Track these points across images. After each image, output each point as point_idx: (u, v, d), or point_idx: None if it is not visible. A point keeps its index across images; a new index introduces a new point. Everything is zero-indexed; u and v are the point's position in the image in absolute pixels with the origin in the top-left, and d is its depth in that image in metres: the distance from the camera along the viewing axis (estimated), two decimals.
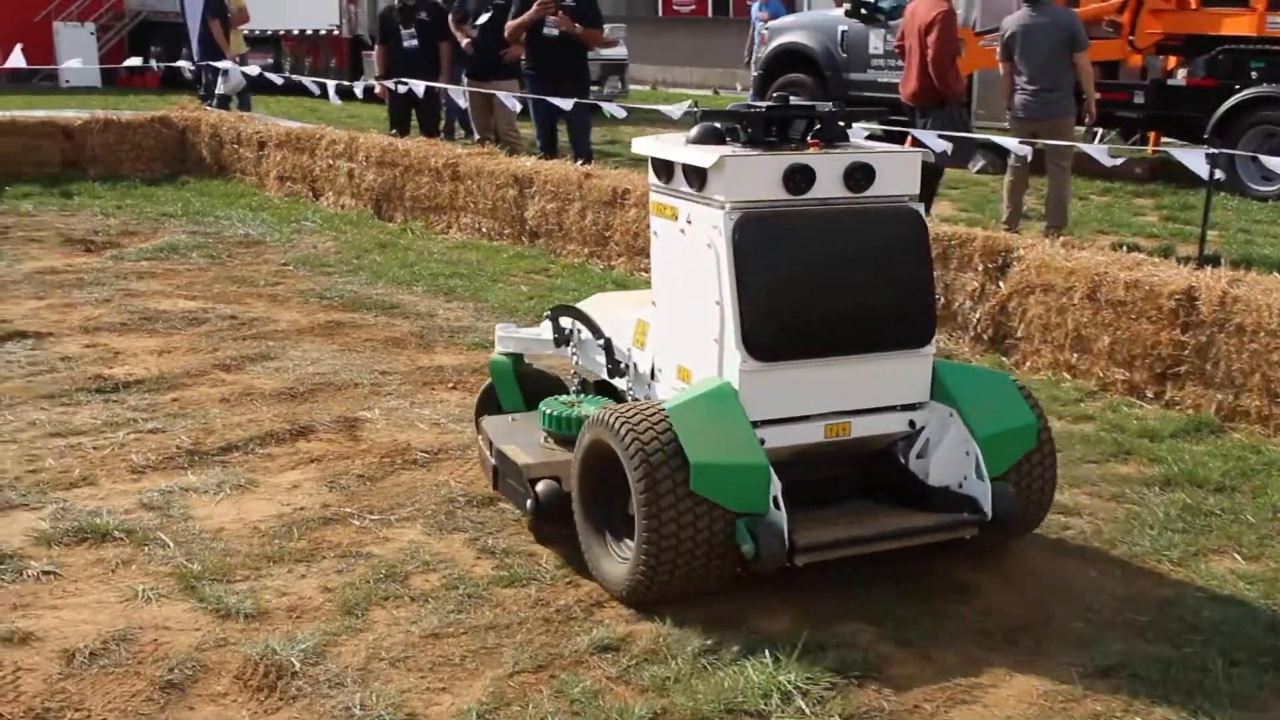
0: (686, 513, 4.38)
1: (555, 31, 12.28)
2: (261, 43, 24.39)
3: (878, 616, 4.46)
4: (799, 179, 4.59)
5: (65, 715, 3.87)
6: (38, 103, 20.60)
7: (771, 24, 18.94)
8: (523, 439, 5.33)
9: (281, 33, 25.43)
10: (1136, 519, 5.37)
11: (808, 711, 3.88)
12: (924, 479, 4.84)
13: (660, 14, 35.29)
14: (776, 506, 4.43)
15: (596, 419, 4.66)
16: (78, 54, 23.64)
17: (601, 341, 5.44)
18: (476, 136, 13.97)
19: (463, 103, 15.12)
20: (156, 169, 14.61)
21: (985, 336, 7.67)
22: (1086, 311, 7.15)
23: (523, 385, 5.79)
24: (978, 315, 7.69)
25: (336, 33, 24.65)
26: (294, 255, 10.46)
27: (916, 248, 4.82)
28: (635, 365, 5.28)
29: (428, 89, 13.69)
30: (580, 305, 5.74)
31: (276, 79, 16.89)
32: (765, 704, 3.91)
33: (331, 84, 15.21)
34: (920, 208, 4.87)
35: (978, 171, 15.21)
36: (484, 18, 13.54)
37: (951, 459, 4.81)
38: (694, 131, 4.88)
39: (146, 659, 4.18)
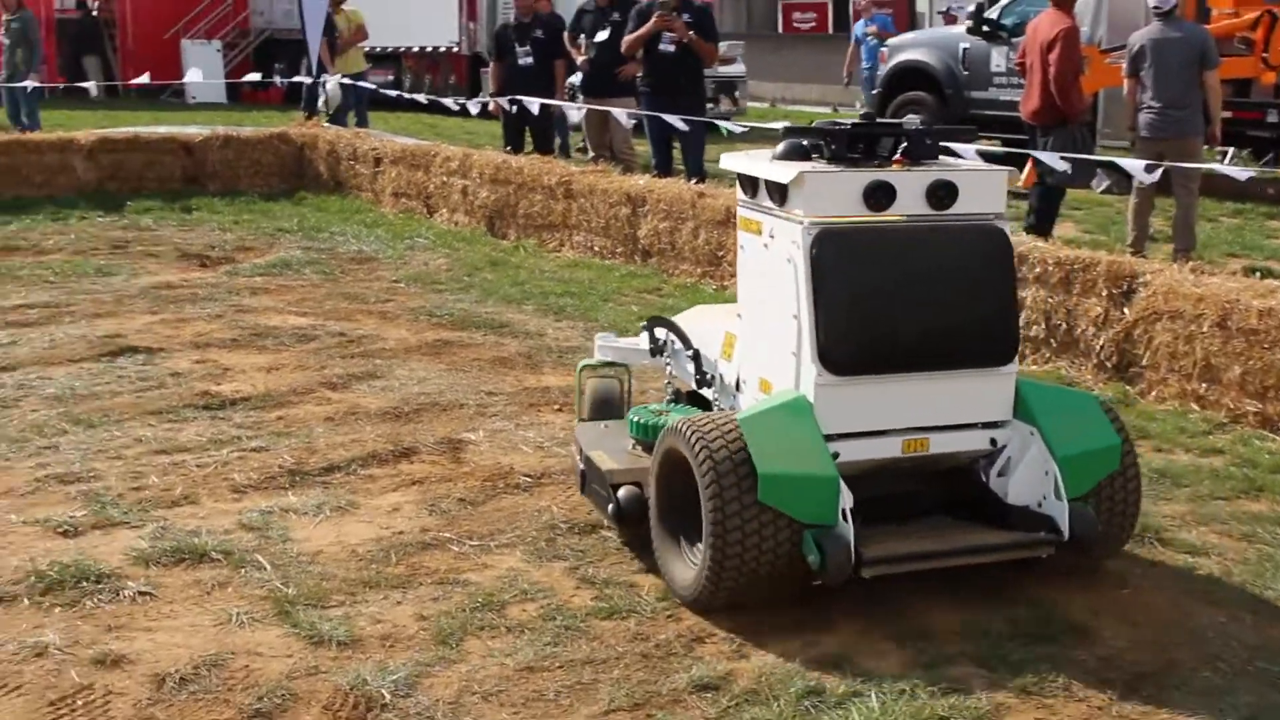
0: (752, 521, 4.42)
1: (671, 47, 12.19)
2: (382, 59, 24.57)
3: (992, 660, 4.26)
4: (879, 196, 4.63)
5: None
6: (164, 118, 20.91)
7: (891, 41, 18.68)
8: (611, 445, 5.41)
9: (402, 50, 25.62)
10: (1270, 560, 5.10)
11: None
12: (1003, 497, 4.83)
13: (780, 30, 35.08)
14: (845, 519, 4.44)
15: (672, 428, 4.76)
16: (204, 70, 24.01)
17: (690, 352, 5.53)
18: (591, 154, 13.91)
19: (575, 117, 15.12)
20: (274, 185, 14.74)
21: (1109, 364, 7.40)
22: (1216, 340, 6.86)
23: (591, 396, 5.92)
24: (1101, 342, 7.42)
25: (455, 50, 24.79)
26: (406, 272, 10.45)
27: (1000, 265, 4.81)
28: (722, 376, 5.35)
29: (542, 106, 13.65)
30: (677, 317, 5.84)
31: (391, 94, 16.99)
32: None
33: (448, 100, 15.23)
34: (1007, 226, 4.84)
35: (1102, 192, 14.84)
36: (600, 35, 13.49)
37: (1031, 478, 4.78)
38: (779, 148, 4.92)
39: (236, 686, 4.11)
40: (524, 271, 10.43)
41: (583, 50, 13.93)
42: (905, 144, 4.82)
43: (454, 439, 6.39)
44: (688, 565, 4.70)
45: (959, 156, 5.99)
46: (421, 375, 7.45)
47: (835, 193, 4.63)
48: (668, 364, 5.76)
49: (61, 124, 19.31)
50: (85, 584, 4.77)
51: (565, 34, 14.18)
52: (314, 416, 6.71)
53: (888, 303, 4.64)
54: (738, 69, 22.58)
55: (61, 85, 25.52)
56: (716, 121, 12.44)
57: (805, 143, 4.88)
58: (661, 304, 9.20)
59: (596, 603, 4.70)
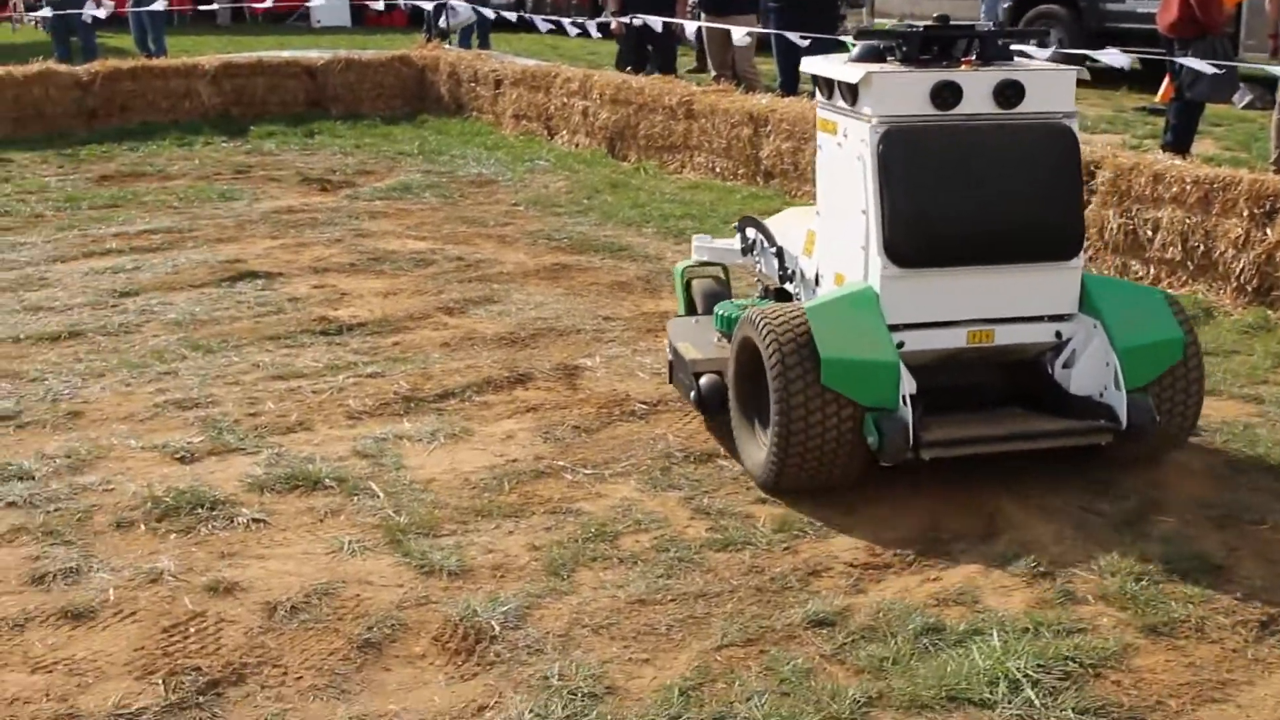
0: (815, 403, 4.67)
1: None
2: None
3: (1121, 598, 4.09)
4: (946, 95, 4.79)
5: (262, 671, 3.78)
6: (289, 43, 21.04)
7: None
8: (697, 338, 5.69)
9: None
10: None
11: (1037, 703, 3.55)
12: (1067, 388, 4.97)
13: None
14: (906, 404, 4.65)
15: (746, 318, 5.03)
16: None
17: (774, 250, 5.77)
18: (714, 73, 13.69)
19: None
20: (396, 108, 14.73)
21: (1249, 288, 7.10)
22: None
23: (688, 293, 6.29)
24: (1241, 265, 7.12)
25: None
26: (525, 195, 10.37)
27: (1067, 164, 4.94)
28: (802, 271, 5.56)
29: (664, 25, 13.44)
30: (768, 219, 6.07)
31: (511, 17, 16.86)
32: (990, 693, 3.60)
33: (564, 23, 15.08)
34: (1075, 124, 4.95)
35: (1243, 107, 14.30)
36: None
37: (1093, 369, 4.93)
38: (855, 50, 5.12)
39: (347, 615, 4.08)
40: (644, 194, 10.30)
41: None
42: (977, 45, 4.97)
43: (570, 365, 6.31)
44: (759, 448, 4.94)
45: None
46: (539, 300, 7.38)
47: (903, 92, 4.80)
48: (757, 262, 6.02)
49: (188, 50, 19.45)
50: (200, 510, 4.78)
51: None
52: (430, 342, 6.67)
53: (953, 198, 4.81)
54: None
55: (190, 11, 25.80)
56: (844, 39, 12.10)
57: (880, 45, 5.03)
58: None
59: (711, 534, 4.60)
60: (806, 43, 11.59)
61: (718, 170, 10.84)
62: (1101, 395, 4.90)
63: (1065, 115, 4.91)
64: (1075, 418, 4.91)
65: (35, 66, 13.96)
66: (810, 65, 5.32)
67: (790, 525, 4.64)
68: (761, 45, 14.00)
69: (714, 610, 4.08)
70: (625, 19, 13.85)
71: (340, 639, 3.94)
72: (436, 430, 5.52)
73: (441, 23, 17.50)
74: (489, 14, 17.57)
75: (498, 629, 3.96)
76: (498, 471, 5.12)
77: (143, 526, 4.69)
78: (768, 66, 13.73)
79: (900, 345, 4.77)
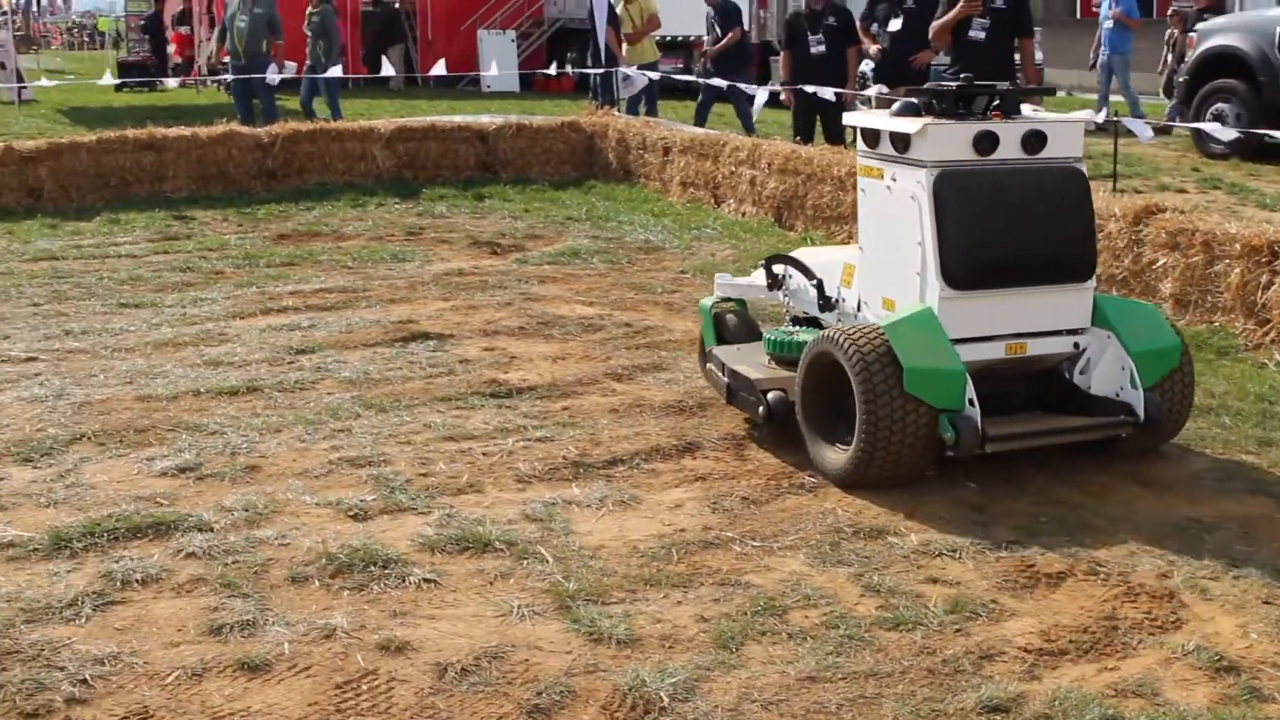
0: (899, 409, 5.46)
1: (981, 34, 11.76)
2: (673, 48, 24.71)
3: None
4: (986, 143, 5.68)
5: None
6: (459, 107, 21.47)
7: (1201, 26, 17.80)
8: (750, 361, 6.43)
9: (692, 38, 25.67)
10: None
11: None
12: (1086, 391, 5.84)
13: (1078, 15, 33.92)
14: (971, 405, 5.47)
15: (824, 337, 5.80)
16: (499, 60, 24.55)
17: (814, 282, 6.51)
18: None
19: (862, 107, 14.86)
20: (565, 173, 14.94)
21: None
22: None
23: (717, 326, 6.93)
24: None
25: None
26: (692, 263, 10.41)
27: (1081, 200, 5.87)
28: (843, 300, 6.36)
29: (835, 96, 13.45)
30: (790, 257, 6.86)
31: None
32: None
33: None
34: (1084, 167, 5.87)
35: None
36: (894, 23, 13.21)
37: (1110, 373, 5.82)
38: (895, 106, 5.99)
39: (516, 680, 4.09)
40: None
41: (875, 38, 13.67)
42: (997, 101, 5.90)
43: (738, 436, 6.30)
44: (838, 452, 5.72)
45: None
46: None
47: (951, 141, 5.68)
48: (785, 296, 6.82)
49: (363, 113, 19.98)
50: (373, 568, 4.84)
51: (858, 22, 13.92)
52: (599, 408, 6.71)
53: (994, 230, 5.68)
54: (1036, 56, 21.86)
55: (364, 76, 26.48)
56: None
57: (916, 101, 5.89)
58: None
59: (881, 612, 4.54)
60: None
61: None
62: (1119, 395, 5.78)
63: (1077, 160, 5.86)
64: (1096, 415, 5.78)
65: (219, 128, 14.43)
66: (855, 119, 6.32)
67: (963, 606, 4.56)
68: None
69: (885, 691, 4.02)
70: (796, 88, 13.88)
71: (510, 704, 3.95)
72: (605, 497, 5.54)
73: (623, 93, 17.72)
74: (655, 76, 17.73)
75: (666, 700, 3.94)
76: (666, 540, 5.12)
77: (317, 582, 4.77)
78: None
79: None
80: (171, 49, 33.74)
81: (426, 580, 4.77)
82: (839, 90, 13.50)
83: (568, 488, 5.67)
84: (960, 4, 11.36)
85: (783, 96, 14.61)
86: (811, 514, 5.39)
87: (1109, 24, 20.10)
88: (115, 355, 7.72)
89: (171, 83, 25.65)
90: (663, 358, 7.60)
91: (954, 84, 5.92)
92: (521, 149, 14.97)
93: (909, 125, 5.68)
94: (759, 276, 7.01)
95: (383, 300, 9.09)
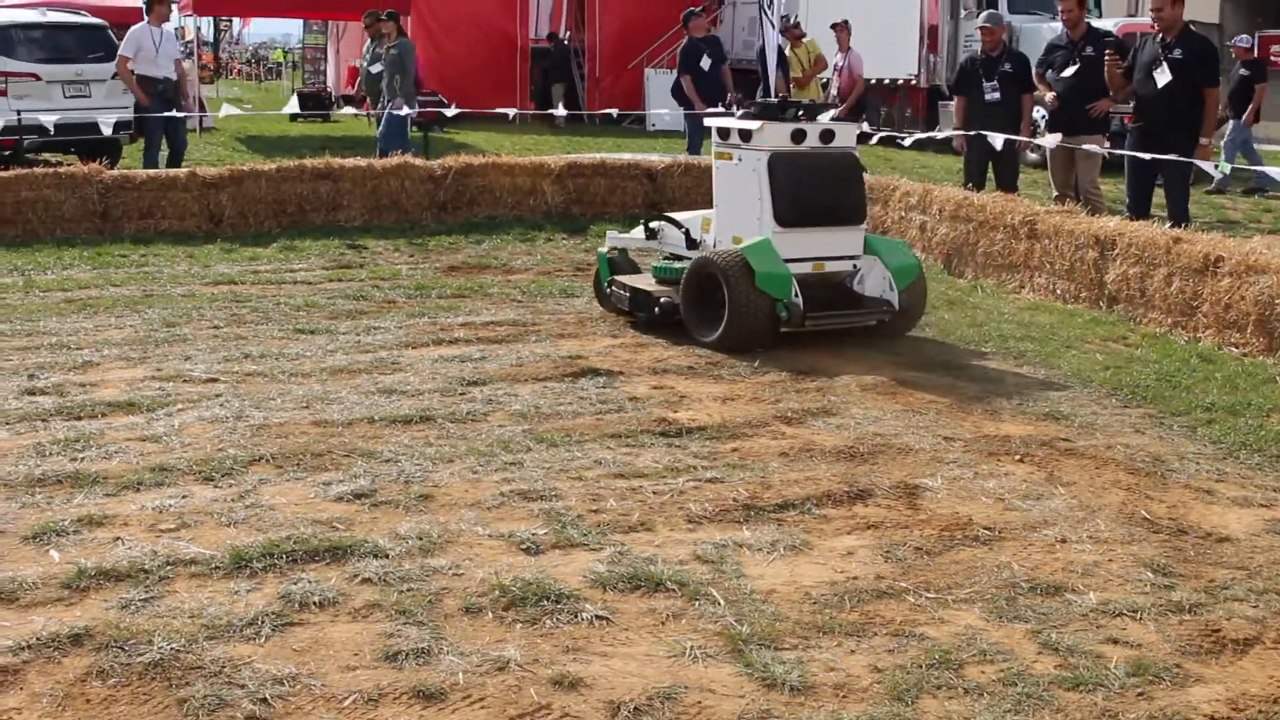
0: (752, 298, 8.56)
1: (1162, 83, 11.55)
2: None
3: None
4: (798, 136, 8.96)
5: None
6: (625, 145, 21.61)
7: None
8: (643, 282, 9.55)
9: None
10: None
11: None
12: (862, 294, 9.09)
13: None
14: (796, 296, 8.64)
15: (702, 258, 8.99)
16: (666, 100, 24.66)
17: (683, 231, 9.61)
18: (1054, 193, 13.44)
19: (1033, 155, 14.72)
20: None
21: None
22: None
23: (611, 266, 9.97)
24: None
25: (914, 82, 24.57)
26: None
27: (856, 172, 9.20)
28: (704, 240, 9.47)
29: (1007, 143, 13.29)
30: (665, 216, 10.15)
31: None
32: None
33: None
34: (858, 153, 9.31)
35: None
36: (1069, 70, 13.03)
37: (877, 282, 9.06)
38: (739, 114, 9.59)
39: None
40: (981, 313, 10.15)
41: (1050, 85, 13.47)
42: (802, 111, 9.29)
43: (910, 484, 6.22)
44: (712, 328, 8.76)
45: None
46: (876, 415, 7.31)
47: (777, 135, 8.94)
48: (660, 241, 9.87)
49: (530, 148, 20.22)
50: (545, 602, 4.86)
51: (1034, 68, 13.74)
52: (768, 451, 6.67)
53: (804, 190, 8.90)
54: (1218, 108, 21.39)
55: (531, 111, 26.82)
56: (1199, 163, 11.70)
57: (758, 109, 9.30)
58: (1129, 353, 8.79)
59: (1060, 671, 4.43)
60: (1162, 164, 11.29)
61: (1058, 292, 10.60)
62: (882, 295, 9.01)
63: (853, 148, 9.26)
64: (869, 307, 9.04)
65: (393, 160, 14.75)
66: (711, 122, 9.74)
67: (1145, 669, 4.43)
68: (1109, 166, 13.72)
69: None
70: (968, 134, 13.74)
71: None
72: (776, 541, 5.50)
73: None
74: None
75: None
76: (839, 588, 5.06)
77: (490, 614, 4.79)
78: (1109, 188, 13.41)
79: None
80: (342, 80, 34.51)
81: (599, 617, 4.77)
82: (1010, 137, 13.33)
83: (738, 530, 5.64)
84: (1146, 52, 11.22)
85: (955, 143, 14.45)
86: (986, 567, 5.29)
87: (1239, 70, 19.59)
88: (292, 380, 7.89)
89: (347, 111, 26.15)
90: (832, 402, 7.54)
91: (774, 100, 9.96)
92: (689, 188, 15.00)
93: (752, 124, 9.02)
94: (638, 232, 10.04)
95: (552, 335, 9.16)
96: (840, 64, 19.70)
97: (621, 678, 4.34)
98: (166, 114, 16.84)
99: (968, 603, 4.97)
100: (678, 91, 18.87)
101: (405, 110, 17.81)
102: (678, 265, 9.33)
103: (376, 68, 19.09)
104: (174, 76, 17.41)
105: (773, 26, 19.69)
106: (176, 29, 19.23)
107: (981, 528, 5.69)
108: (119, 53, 17.42)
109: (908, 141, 16.68)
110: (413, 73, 18.34)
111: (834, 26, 19.91)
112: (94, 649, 4.48)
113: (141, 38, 17.12)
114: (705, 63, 17.86)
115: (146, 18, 17.23)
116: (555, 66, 32.20)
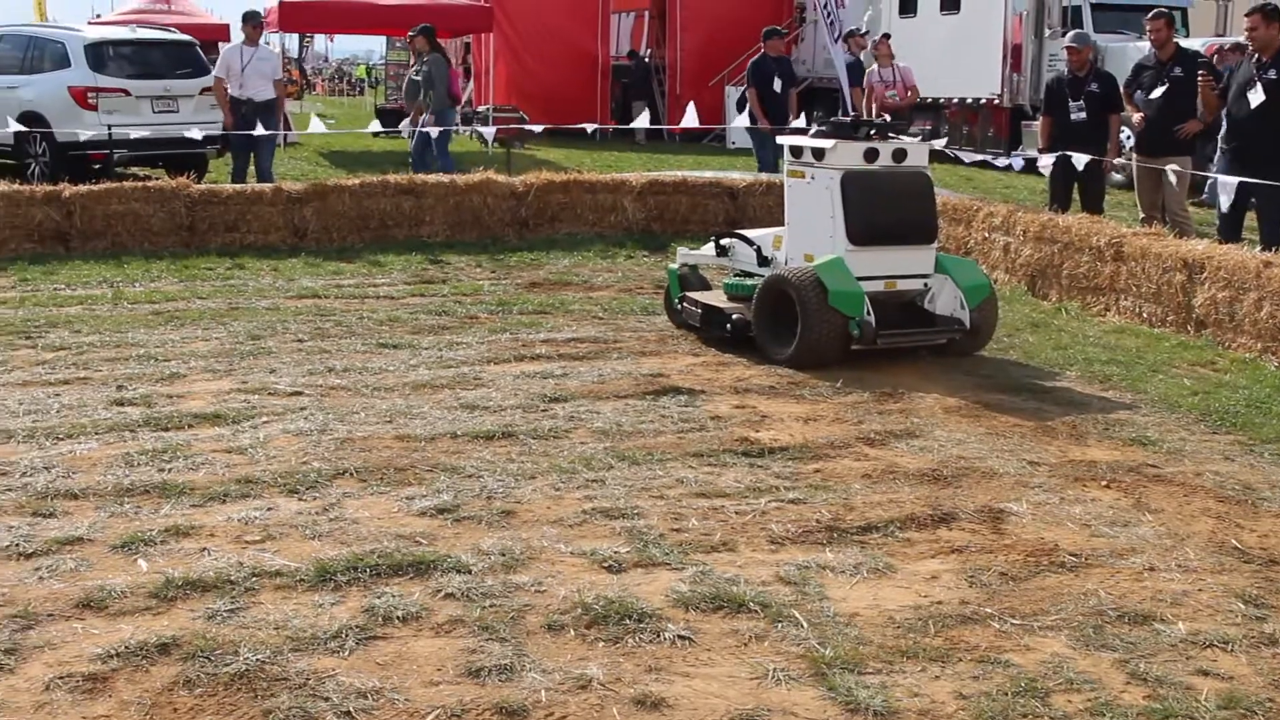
0: (825, 315, 8.58)
1: (1257, 103, 11.38)
2: (923, 109, 24.48)
3: None
4: (870, 155, 8.97)
5: None
6: (705, 162, 21.59)
7: None
8: (714, 299, 9.66)
9: (942, 100, 25.46)
10: None
11: None
12: (933, 312, 9.07)
13: None
14: (868, 314, 8.62)
15: (775, 275, 9.03)
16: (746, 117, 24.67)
17: (754, 248, 9.72)
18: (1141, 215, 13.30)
19: (1118, 176, 14.56)
20: None
21: None
22: None
23: (681, 282, 10.10)
24: None
25: (997, 101, 24.40)
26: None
27: (929, 191, 9.17)
28: (775, 257, 9.54)
29: (1093, 164, 13.15)
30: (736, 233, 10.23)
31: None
32: None
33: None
34: (930, 172, 9.26)
35: None
36: (1157, 91, 12.90)
37: (948, 300, 9.03)
38: (825, 129, 9.40)
39: None
40: (1066, 335, 10.05)
41: (1138, 106, 13.34)
42: (876, 130, 9.24)
43: (995, 508, 6.16)
44: (784, 346, 8.79)
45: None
46: (959, 438, 7.25)
47: (850, 153, 8.97)
48: (731, 258, 10.00)
49: (610, 165, 20.27)
50: (628, 621, 4.85)
51: (1122, 88, 13.61)
52: (851, 472, 6.64)
53: (877, 209, 8.89)
54: None
55: (611, 126, 26.90)
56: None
57: (827, 128, 9.34)
58: (1217, 379, 8.66)
59: (1149, 702, 4.37)
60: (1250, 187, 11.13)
61: (1144, 315, 10.47)
62: (953, 313, 8.99)
63: (925, 167, 9.24)
64: (940, 325, 9.03)
65: (476, 176, 14.82)
66: (786, 139, 9.72)
67: (1237, 702, 4.36)
68: (1195, 188, 13.56)
69: None
70: (1053, 155, 13.62)
71: None
72: (859, 564, 5.47)
73: None
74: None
75: None
76: (923, 612, 5.02)
77: (572, 631, 4.80)
78: (1196, 211, 13.23)
79: None
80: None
81: (681, 637, 4.76)
82: (1095, 158, 13.20)
83: (821, 552, 5.61)
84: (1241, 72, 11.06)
85: (1040, 163, 14.35)
86: (1072, 594, 5.23)
87: None
88: (375, 394, 7.94)
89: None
90: (915, 424, 7.48)
91: (847, 119, 9.87)
92: (770, 206, 14.89)
93: (825, 143, 9.04)
94: (709, 248, 10.23)
95: (633, 352, 9.17)
96: (891, 79, 19.65)
97: (704, 699, 4.32)
98: (244, 133, 16.84)
99: (1054, 630, 4.91)
100: (743, 104, 18.92)
101: (432, 129, 17.59)
102: (749, 282, 9.41)
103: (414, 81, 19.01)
104: (271, 95, 17.47)
105: (833, 43, 19.86)
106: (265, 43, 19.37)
107: (1067, 554, 5.62)
108: (214, 73, 17.63)
109: (1001, 162, 16.56)
110: (444, 88, 18.31)
111: (874, 43, 20.00)
112: (181, 658, 4.53)
113: (231, 58, 17.32)
114: (777, 84, 17.78)
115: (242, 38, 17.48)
116: (636, 84, 32.27)
